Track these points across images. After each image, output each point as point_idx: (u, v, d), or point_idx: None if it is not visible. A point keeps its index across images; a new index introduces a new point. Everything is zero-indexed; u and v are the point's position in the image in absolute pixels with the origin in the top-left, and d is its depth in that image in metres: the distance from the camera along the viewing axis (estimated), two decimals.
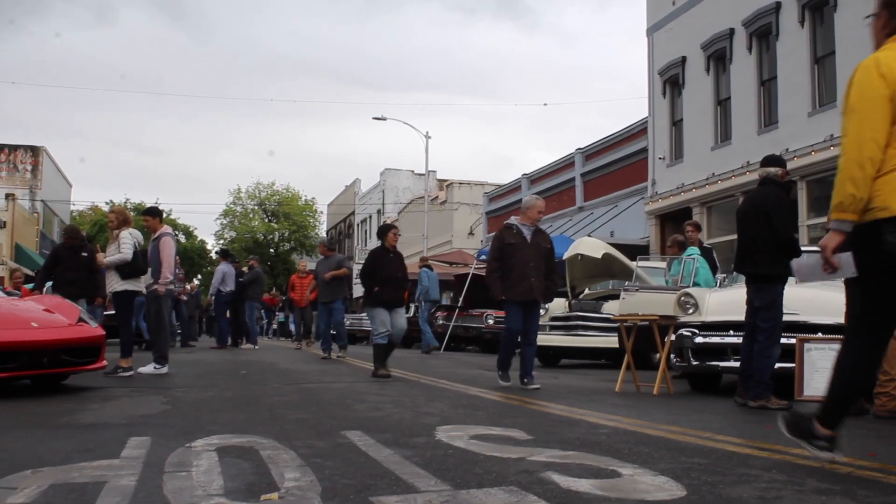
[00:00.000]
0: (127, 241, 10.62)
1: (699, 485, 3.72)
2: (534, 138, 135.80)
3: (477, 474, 3.98)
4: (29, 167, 50.38)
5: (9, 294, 11.54)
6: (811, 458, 4.31)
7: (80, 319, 9.08)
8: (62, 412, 6.84)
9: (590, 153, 33.01)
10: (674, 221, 24.33)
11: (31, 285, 16.20)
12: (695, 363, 8.99)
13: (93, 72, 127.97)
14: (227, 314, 21.66)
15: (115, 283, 10.74)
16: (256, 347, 21.22)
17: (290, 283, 22.62)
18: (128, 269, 10.63)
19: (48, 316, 8.87)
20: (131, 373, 10.54)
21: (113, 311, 12.27)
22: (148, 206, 54.25)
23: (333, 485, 3.72)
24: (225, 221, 70.87)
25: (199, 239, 75.56)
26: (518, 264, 9.64)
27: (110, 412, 6.89)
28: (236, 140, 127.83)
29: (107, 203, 72.11)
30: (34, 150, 50.16)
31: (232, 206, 70.71)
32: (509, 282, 9.62)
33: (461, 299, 22.09)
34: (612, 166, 31.05)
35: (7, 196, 43.84)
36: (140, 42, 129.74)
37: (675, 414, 6.97)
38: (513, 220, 10.08)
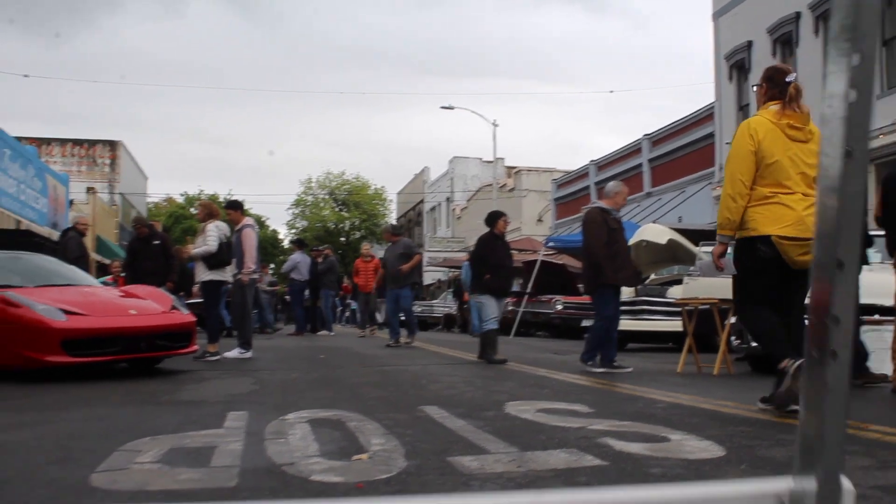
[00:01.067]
0: (212, 234, 11.26)
1: (738, 447, 4.19)
2: (603, 123, 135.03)
3: (541, 440, 4.48)
4: (108, 161, 51.86)
5: (106, 285, 12.32)
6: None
7: (173, 307, 9.77)
8: (163, 391, 7.49)
9: (657, 139, 33.13)
10: None
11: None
12: (754, 345, 9.33)
13: (162, 65, 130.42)
14: (303, 302, 22.40)
15: (202, 273, 11.41)
16: (332, 334, 21.91)
17: (353, 268, 21.79)
18: (213, 260, 11.27)
19: (144, 304, 9.58)
20: (218, 357, 11.19)
21: (194, 300, 12.98)
22: (223, 197, 54.97)
23: (415, 448, 4.24)
24: (296, 211, 72.02)
25: (270, 229, 76.86)
26: (621, 249, 9.82)
27: (206, 391, 7.52)
28: (306, 130, 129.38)
29: (181, 195, 73.97)
30: (112, 145, 51.62)
31: (303, 195, 71.86)
32: (614, 266, 9.64)
33: (530, 285, 22.51)
34: (679, 152, 31.15)
35: (88, 189, 45.14)
36: (209, 34, 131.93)
37: (731, 391, 7.37)
38: (601, 204, 10.07)
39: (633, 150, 35.14)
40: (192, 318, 9.83)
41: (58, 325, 8.39)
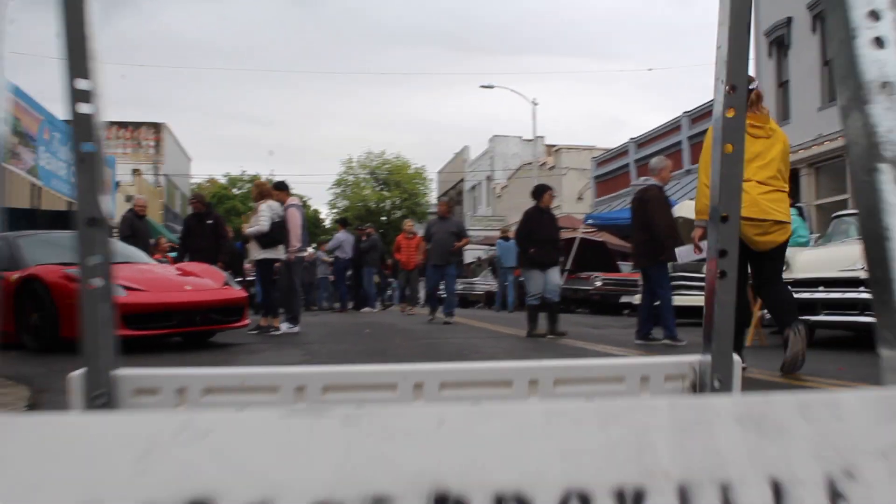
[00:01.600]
0: (265, 214, 11.71)
1: None
2: (643, 100, 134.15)
3: None
4: (152, 143, 52.75)
5: (159, 262, 12.82)
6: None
7: (226, 283, 10.23)
8: (220, 362, 7.95)
9: (696, 116, 33.13)
10: None
11: (174, 253, 17.63)
12: None
13: (203, 45, 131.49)
14: (346, 280, 22.94)
15: (256, 252, 11.89)
16: (375, 310, 22.37)
17: (395, 244, 21.20)
18: (266, 239, 11.73)
19: (198, 280, 10.04)
20: (280, 331, 11.66)
21: (243, 278, 13.50)
22: (265, 177, 56.02)
23: None
24: (338, 191, 72.62)
25: (312, 209, 77.55)
26: (675, 225, 10.13)
27: (260, 361, 7.97)
28: (346, 110, 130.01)
29: (224, 176, 74.84)
30: (156, 127, 52.49)
31: (344, 175, 72.44)
32: (674, 242, 9.94)
33: (570, 262, 22.80)
34: None
35: (133, 171, 45.99)
36: (251, 14, 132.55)
37: (759, 360, 7.66)
38: (654, 181, 10.20)
39: (672, 127, 35.17)
40: (245, 294, 10.31)
41: (119, 300, 8.84)
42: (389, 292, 42.43)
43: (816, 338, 10.32)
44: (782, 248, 6.56)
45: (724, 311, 1.25)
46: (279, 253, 12.02)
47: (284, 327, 11.98)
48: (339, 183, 72.42)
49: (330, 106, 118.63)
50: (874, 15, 0.74)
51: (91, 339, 1.33)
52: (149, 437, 0.59)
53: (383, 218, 71.49)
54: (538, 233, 11.48)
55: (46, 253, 10.14)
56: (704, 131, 34.03)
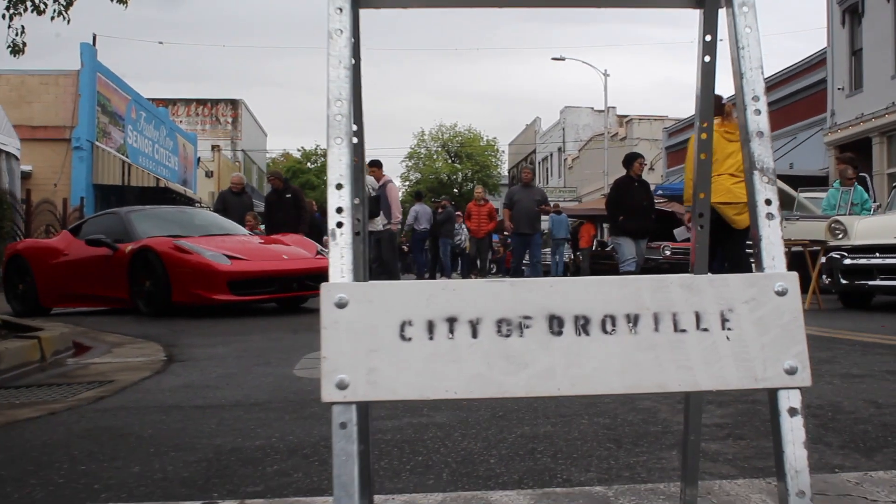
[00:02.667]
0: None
1: None
2: (719, 66, 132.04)
3: None
4: (230, 119, 54.01)
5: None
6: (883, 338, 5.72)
7: (318, 252, 11.09)
8: (315, 323, 8.75)
9: (768, 85, 33.13)
10: (854, 152, 24.62)
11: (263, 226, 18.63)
12: (844, 282, 10.12)
13: (276, 18, 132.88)
14: (423, 250, 23.74)
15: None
16: (450, 279, 23.19)
17: (465, 212, 20.58)
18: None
19: (294, 250, 10.91)
20: None
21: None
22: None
23: None
24: (410, 164, 73.47)
25: None
26: None
27: None
28: (417, 82, 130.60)
29: (298, 150, 76.27)
30: (234, 104, 53.75)
31: (416, 148, 73.27)
32: None
33: None
34: (791, 98, 31.17)
35: (213, 147, 47.28)
36: None
37: (815, 319, 8.25)
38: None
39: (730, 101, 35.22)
40: None
41: (224, 269, 9.78)
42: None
43: (874, 302, 10.82)
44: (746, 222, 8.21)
45: (700, 247, 1.87)
46: (375, 225, 12.83)
47: None
48: (411, 156, 73.24)
49: (401, 78, 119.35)
50: None
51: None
52: (430, 290, 1.35)
53: (455, 190, 72.13)
54: (628, 201, 11.50)
55: (154, 226, 11.10)
56: (776, 101, 33.81)
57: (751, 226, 1.41)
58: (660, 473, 2.40)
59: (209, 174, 45.19)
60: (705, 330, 1.35)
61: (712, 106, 1.75)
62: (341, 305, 1.31)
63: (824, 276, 10.44)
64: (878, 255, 9.89)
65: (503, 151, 75.94)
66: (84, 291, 11.08)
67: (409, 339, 1.30)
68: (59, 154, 24.58)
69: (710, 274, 1.46)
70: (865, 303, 10.73)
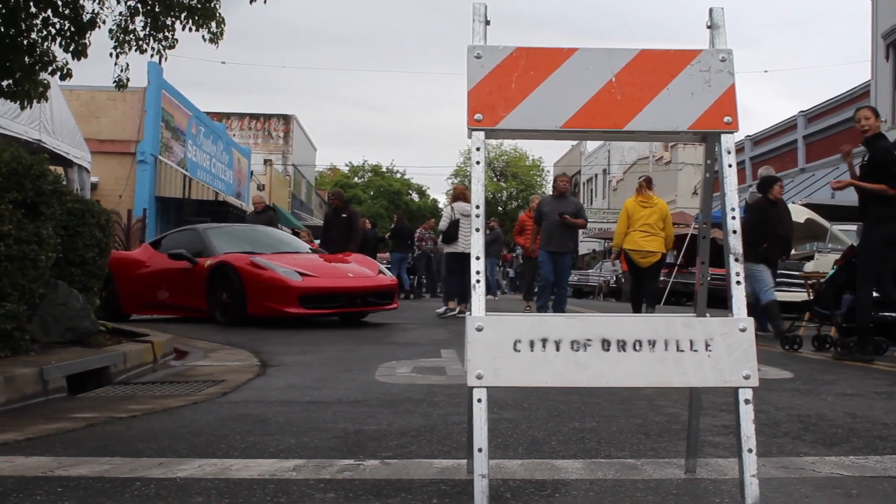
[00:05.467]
0: (445, 215, 13.65)
1: (804, 374, 6.06)
2: (768, 88, 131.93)
3: None
4: (281, 134, 55.40)
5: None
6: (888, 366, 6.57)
7: (380, 271, 12.05)
8: (382, 336, 9.74)
9: (812, 115, 33.74)
10: None
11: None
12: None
13: (324, 31, 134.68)
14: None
15: (442, 247, 14.23)
16: (496, 298, 24.08)
17: (517, 225, 18.27)
18: (444, 236, 13.65)
19: (357, 268, 11.88)
20: (454, 313, 13.48)
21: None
22: (385, 167, 56.78)
23: None
24: (456, 181, 74.36)
25: (431, 198, 79.57)
26: None
27: (415, 337, 9.74)
28: (464, 96, 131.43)
29: (346, 165, 77.63)
30: (286, 119, 55.13)
31: (463, 166, 74.24)
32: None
33: (680, 257, 24.02)
34: (834, 129, 31.74)
35: (265, 161, 48.55)
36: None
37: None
38: (756, 193, 11.38)
39: (788, 126, 35.80)
40: (395, 281, 12.11)
41: (296, 284, 10.76)
42: (505, 281, 44.01)
43: None
44: (656, 266, 12.21)
45: (701, 296, 2.76)
46: (458, 248, 13.63)
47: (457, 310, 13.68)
48: (457, 173, 74.23)
49: (448, 92, 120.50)
50: None
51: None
52: (531, 322, 2.27)
53: (500, 208, 72.98)
54: (771, 227, 10.95)
55: (229, 242, 12.13)
56: (820, 131, 34.01)
57: (726, 289, 2.32)
58: (675, 453, 3.31)
59: (261, 187, 46.40)
60: (696, 350, 2.26)
61: (711, 203, 2.66)
62: (479, 329, 2.24)
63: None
64: None
65: (548, 171, 76.74)
66: (164, 301, 12.12)
67: (519, 351, 2.22)
68: (125, 167, 25.84)
69: (701, 317, 2.37)
70: (889, 333, 11.42)
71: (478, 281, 2.28)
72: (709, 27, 2.59)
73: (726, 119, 2.48)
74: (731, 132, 2.49)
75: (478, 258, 2.30)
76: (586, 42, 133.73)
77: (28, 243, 5.43)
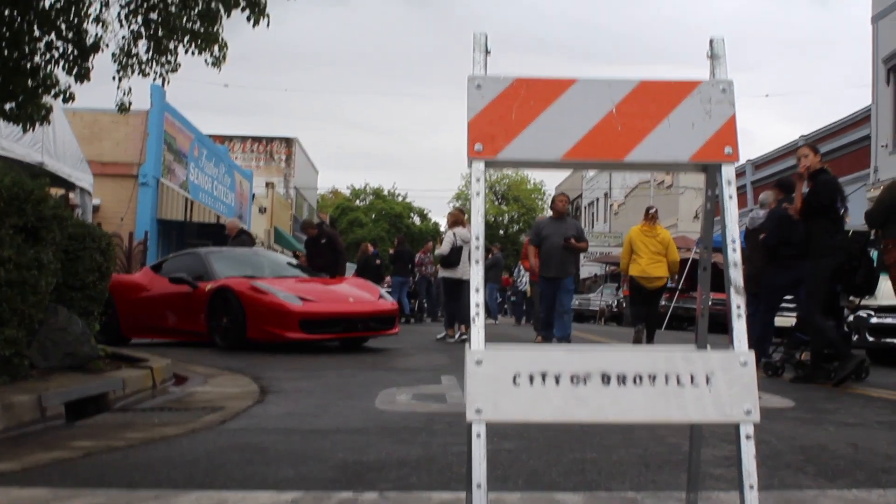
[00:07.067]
0: (447, 240, 13.48)
1: (805, 402, 6.02)
2: (770, 112, 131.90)
3: None
4: (283, 157, 55.56)
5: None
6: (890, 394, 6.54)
7: (381, 296, 12.03)
8: (382, 362, 9.70)
9: (813, 140, 33.78)
10: None
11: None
12: (871, 340, 10.84)
13: (325, 53, 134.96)
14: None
15: (440, 272, 14.01)
16: (496, 323, 24.05)
17: (524, 251, 17.75)
18: (445, 261, 13.55)
19: (358, 293, 11.85)
20: (454, 339, 13.35)
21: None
22: (387, 190, 56.73)
23: None
24: (458, 204, 74.34)
25: (432, 221, 79.45)
26: None
27: (415, 363, 9.71)
28: (464, 119, 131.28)
29: (347, 188, 77.67)
30: (288, 142, 55.31)
31: (464, 189, 74.24)
32: None
33: (681, 282, 24.00)
34: (835, 153, 31.76)
35: (267, 184, 48.66)
36: (374, 20, 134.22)
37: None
38: (758, 214, 11.05)
39: (790, 150, 35.82)
40: (396, 306, 12.07)
41: (296, 309, 10.71)
42: (507, 306, 43.80)
43: None
44: (658, 291, 12.81)
45: (702, 326, 2.75)
46: (457, 273, 13.50)
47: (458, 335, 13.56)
48: (458, 197, 74.24)
49: (449, 115, 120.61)
50: None
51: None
52: (531, 354, 2.25)
53: (501, 231, 73.00)
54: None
55: (230, 266, 12.11)
56: (822, 154, 33.70)
57: (728, 322, 2.30)
58: (676, 486, 3.28)
59: (262, 210, 46.50)
60: (696, 385, 2.24)
61: (713, 233, 2.64)
62: (478, 363, 2.22)
63: (853, 334, 11.16)
64: None
65: (550, 195, 76.75)
66: (164, 324, 12.09)
67: (518, 385, 2.20)
68: (126, 189, 25.85)
69: (702, 350, 2.35)
70: (893, 359, 11.41)
71: (477, 314, 2.25)
72: (709, 57, 2.58)
73: (727, 150, 2.47)
74: (732, 163, 2.48)
75: (477, 290, 2.27)
76: (585, 65, 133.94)
77: (28, 269, 5.42)
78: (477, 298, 2.27)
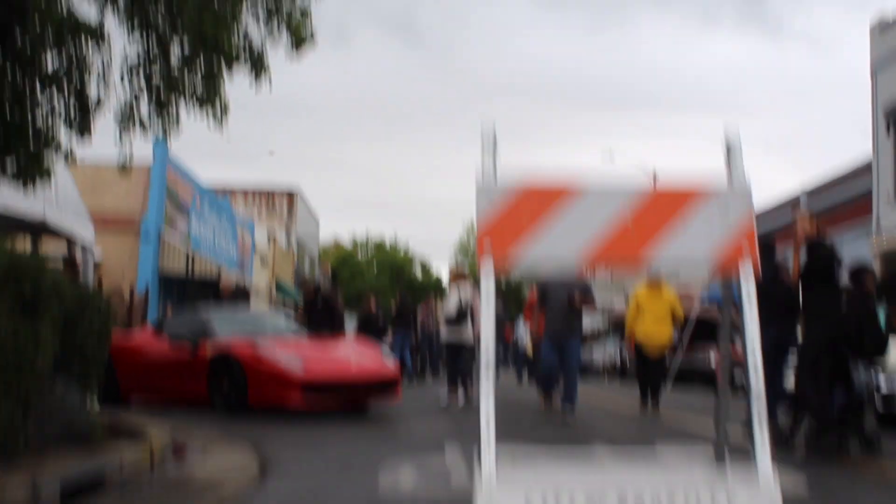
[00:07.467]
0: (453, 301, 12.96)
1: (820, 488, 5.87)
2: (769, 158, 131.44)
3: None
4: (285, 208, 55.74)
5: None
6: None
7: (383, 357, 11.89)
8: (382, 430, 9.57)
9: (814, 192, 33.71)
10: None
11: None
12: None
13: (325, 99, 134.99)
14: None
15: (443, 332, 13.44)
16: (497, 380, 23.67)
17: (526, 305, 16.80)
18: (450, 321, 13.01)
19: (359, 356, 11.69)
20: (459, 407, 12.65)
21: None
22: (387, 239, 57.26)
23: None
24: (461, 258, 73.69)
25: (434, 277, 78.61)
26: None
27: (416, 431, 9.55)
28: (466, 165, 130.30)
29: (349, 236, 77.66)
30: (290, 196, 55.55)
31: (465, 239, 73.70)
32: None
33: (686, 339, 23.77)
34: (837, 205, 31.68)
35: (269, 238, 48.67)
36: (373, 66, 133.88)
37: None
38: None
39: (790, 202, 35.76)
40: (398, 372, 11.88)
41: (298, 377, 10.49)
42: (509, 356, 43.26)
43: None
44: (664, 352, 12.92)
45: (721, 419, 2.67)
46: (461, 337, 12.91)
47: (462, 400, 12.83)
48: (461, 248, 73.78)
49: (450, 161, 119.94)
50: None
51: None
52: (544, 473, 2.15)
53: (502, 280, 72.27)
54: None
55: (232, 327, 11.99)
56: (827, 209, 33.62)
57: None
58: None
59: (264, 262, 46.45)
60: None
61: (729, 334, 2.56)
62: (489, 483, 2.12)
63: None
64: None
65: None
66: (163, 385, 11.92)
67: None
68: (127, 243, 25.78)
69: (721, 466, 2.25)
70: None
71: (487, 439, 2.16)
72: (725, 147, 2.53)
73: (744, 250, 2.39)
74: (749, 262, 2.39)
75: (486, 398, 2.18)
76: (582, 109, 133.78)
77: (24, 351, 5.31)
78: (486, 406, 2.18)
